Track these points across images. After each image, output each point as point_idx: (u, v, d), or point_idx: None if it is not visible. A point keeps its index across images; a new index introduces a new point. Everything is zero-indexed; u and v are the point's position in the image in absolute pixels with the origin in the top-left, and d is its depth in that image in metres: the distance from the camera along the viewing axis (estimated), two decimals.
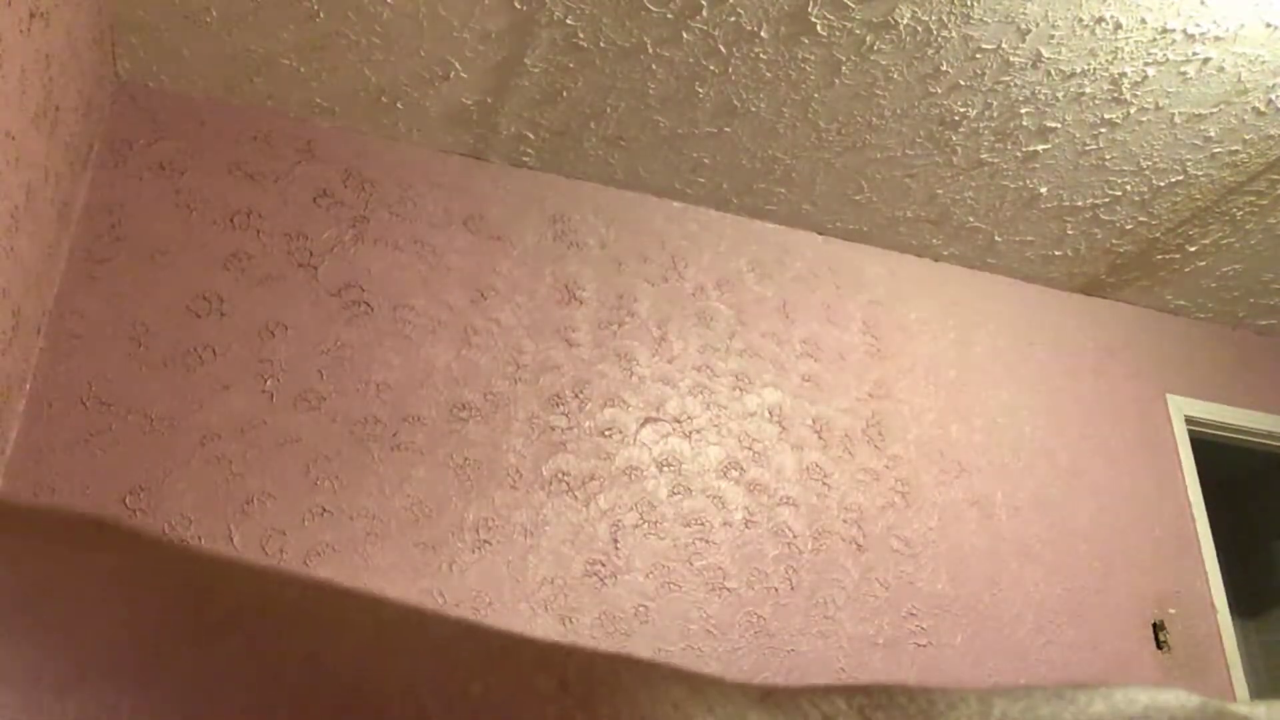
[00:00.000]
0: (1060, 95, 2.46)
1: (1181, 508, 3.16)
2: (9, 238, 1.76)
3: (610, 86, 2.47)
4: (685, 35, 2.29)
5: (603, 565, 2.40)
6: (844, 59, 2.36)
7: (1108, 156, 2.69)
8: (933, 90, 2.46)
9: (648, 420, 2.61)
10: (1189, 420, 3.35)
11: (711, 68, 2.40)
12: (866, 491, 2.76)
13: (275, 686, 0.17)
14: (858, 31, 2.27)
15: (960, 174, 2.78)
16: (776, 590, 2.54)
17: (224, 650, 0.18)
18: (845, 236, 3.10)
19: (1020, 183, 2.81)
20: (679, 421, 2.65)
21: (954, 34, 2.27)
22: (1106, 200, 2.88)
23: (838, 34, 2.28)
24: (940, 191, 2.86)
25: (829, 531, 2.67)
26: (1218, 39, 2.28)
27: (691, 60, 2.37)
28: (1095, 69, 2.38)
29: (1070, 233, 3.05)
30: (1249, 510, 5.02)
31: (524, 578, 2.32)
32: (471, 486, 2.37)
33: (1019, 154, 2.69)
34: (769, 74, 2.41)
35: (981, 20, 2.23)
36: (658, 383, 2.67)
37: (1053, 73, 2.39)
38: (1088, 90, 2.45)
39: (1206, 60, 2.35)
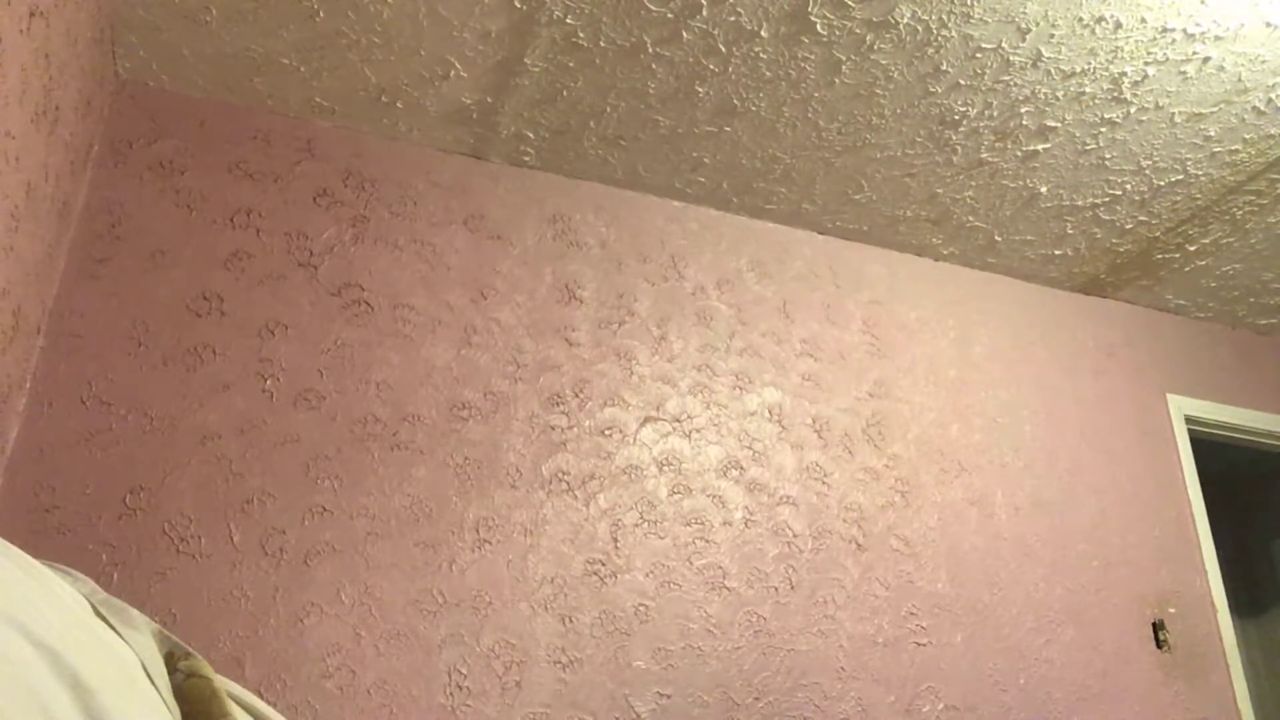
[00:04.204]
0: (1060, 94, 2.46)
1: (1181, 507, 3.17)
2: (9, 237, 1.76)
3: (610, 86, 2.47)
4: (685, 34, 2.29)
5: (603, 565, 2.40)
6: (844, 58, 2.36)
7: (1108, 156, 2.69)
8: (933, 90, 2.46)
9: (648, 420, 2.62)
10: (1189, 420, 3.35)
11: (711, 67, 2.40)
12: (866, 491, 2.76)
13: None
14: (858, 31, 2.27)
15: (960, 173, 2.78)
16: (776, 590, 2.54)
17: None
18: (845, 236, 3.10)
19: (1020, 182, 2.81)
20: (679, 421, 2.65)
21: (954, 33, 2.27)
22: (1106, 200, 2.89)
23: (838, 33, 2.28)
24: (940, 191, 2.86)
25: (829, 531, 2.67)
26: (1218, 38, 2.28)
27: (691, 59, 2.38)
28: (1095, 68, 2.38)
29: (1070, 232, 3.05)
30: (1249, 510, 5.02)
31: (524, 577, 2.32)
32: (471, 486, 2.37)
33: (1019, 153, 2.69)
34: (769, 73, 2.41)
35: (981, 19, 2.23)
36: (658, 382, 2.67)
37: (1053, 72, 2.39)
38: (1088, 89, 2.45)
39: (1206, 60, 2.35)
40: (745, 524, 2.59)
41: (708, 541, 2.53)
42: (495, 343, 2.55)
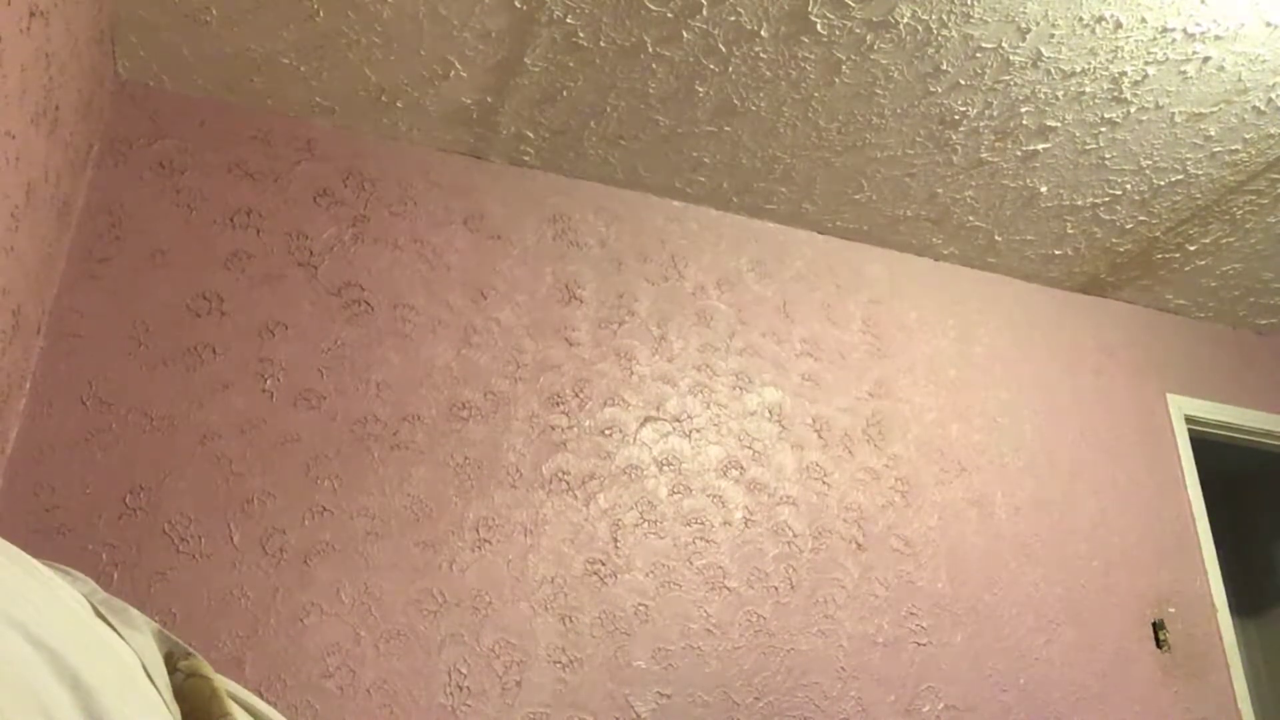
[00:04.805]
0: (1060, 94, 2.46)
1: (1181, 507, 3.17)
2: (9, 237, 1.76)
3: (610, 86, 2.47)
4: (685, 34, 2.29)
5: (603, 564, 2.40)
6: (844, 58, 2.36)
7: (1108, 156, 2.69)
8: (933, 89, 2.46)
9: (648, 419, 2.62)
10: (1189, 420, 3.35)
11: (711, 67, 2.40)
12: (866, 491, 2.76)
13: None
14: (858, 31, 2.27)
15: (960, 173, 2.78)
16: (776, 589, 2.54)
17: None
18: (845, 236, 3.10)
19: (1020, 182, 2.81)
20: (679, 421, 2.65)
21: (954, 33, 2.27)
22: (1106, 199, 2.89)
23: (838, 33, 2.28)
24: (940, 191, 2.86)
25: (829, 531, 2.67)
26: (1218, 38, 2.28)
27: (691, 59, 2.38)
28: (1095, 68, 2.38)
29: (1070, 232, 3.05)
30: (1249, 510, 5.02)
31: (524, 577, 2.32)
32: (471, 486, 2.37)
33: (1019, 153, 2.69)
34: (769, 73, 2.41)
35: (981, 19, 2.23)
36: (658, 382, 2.67)
37: (1053, 72, 2.39)
38: (1088, 89, 2.45)
39: (1207, 59, 2.35)
40: (745, 524, 2.59)
41: (708, 541, 2.53)
42: (495, 343, 2.55)
